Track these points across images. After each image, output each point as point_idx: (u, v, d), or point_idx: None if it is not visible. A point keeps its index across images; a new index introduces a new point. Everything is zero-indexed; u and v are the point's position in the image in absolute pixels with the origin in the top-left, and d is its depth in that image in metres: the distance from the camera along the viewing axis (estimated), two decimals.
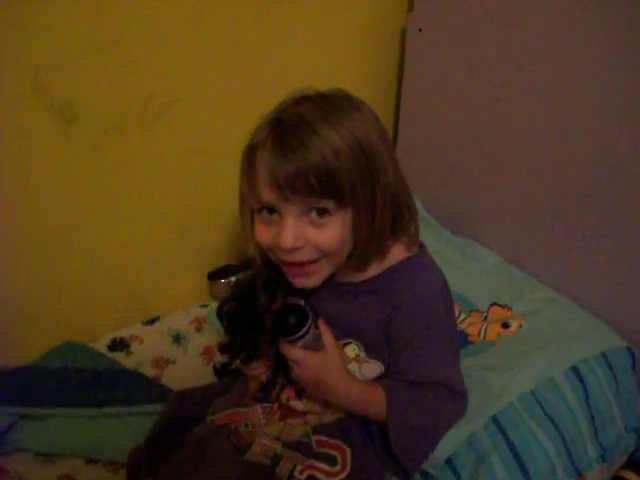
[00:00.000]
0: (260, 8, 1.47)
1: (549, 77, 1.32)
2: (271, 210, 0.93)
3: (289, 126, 0.88)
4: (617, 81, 1.20)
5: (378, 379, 1.05)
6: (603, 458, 1.16)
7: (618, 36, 1.18)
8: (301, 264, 0.95)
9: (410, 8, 1.67)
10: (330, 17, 1.61)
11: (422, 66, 1.68)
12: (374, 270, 1.04)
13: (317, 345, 0.97)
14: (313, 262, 0.95)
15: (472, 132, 1.56)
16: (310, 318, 0.94)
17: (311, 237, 0.92)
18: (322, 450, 1.01)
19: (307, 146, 0.85)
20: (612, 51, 1.19)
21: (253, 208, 0.97)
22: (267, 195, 0.90)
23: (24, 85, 1.23)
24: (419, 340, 1.01)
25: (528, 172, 1.43)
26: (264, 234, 0.96)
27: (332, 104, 0.92)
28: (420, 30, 1.63)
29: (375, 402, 1.00)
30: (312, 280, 0.99)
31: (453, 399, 1.04)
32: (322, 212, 0.90)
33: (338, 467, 1.00)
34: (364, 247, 0.97)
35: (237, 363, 1.07)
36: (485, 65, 1.47)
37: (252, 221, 1.00)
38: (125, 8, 1.29)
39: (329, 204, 0.90)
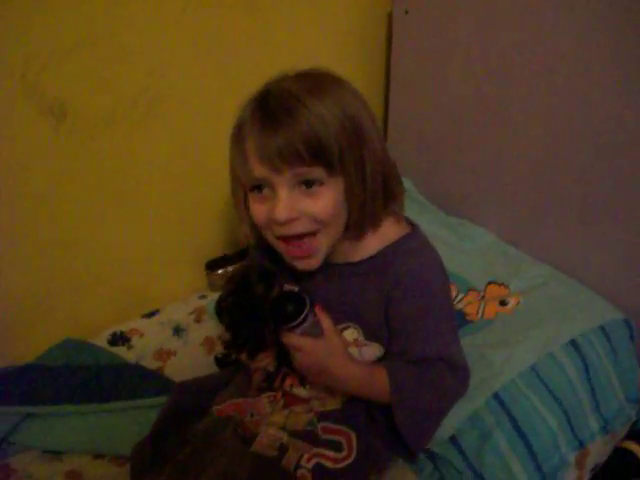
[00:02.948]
0: None
1: (537, 56, 1.32)
2: (263, 186, 0.94)
3: (275, 99, 0.90)
4: (604, 60, 1.20)
5: (378, 361, 1.06)
6: (605, 430, 1.17)
7: (608, 18, 1.18)
8: (300, 241, 0.96)
9: None
10: (317, 2, 1.61)
11: (409, 48, 1.67)
12: (370, 249, 1.05)
13: (316, 331, 0.97)
14: (312, 234, 0.96)
15: (462, 113, 1.56)
16: (307, 305, 0.94)
17: (305, 208, 0.93)
18: (328, 437, 1.02)
19: (293, 116, 0.87)
20: (602, 34, 1.19)
21: (246, 188, 0.98)
22: (258, 170, 0.91)
23: (13, 82, 1.23)
24: (419, 317, 1.01)
25: (521, 151, 1.43)
26: (259, 211, 0.97)
27: (316, 79, 0.94)
28: (406, 12, 1.62)
29: (378, 384, 1.00)
30: (313, 260, 1.00)
31: (455, 375, 1.04)
32: (313, 182, 0.92)
33: (344, 453, 1.00)
34: (359, 214, 0.98)
35: (243, 358, 1.07)
36: (472, 46, 1.46)
37: (245, 202, 1.01)
38: (114, 4, 1.29)
39: (319, 173, 0.91)
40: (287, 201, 0.92)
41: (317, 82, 0.93)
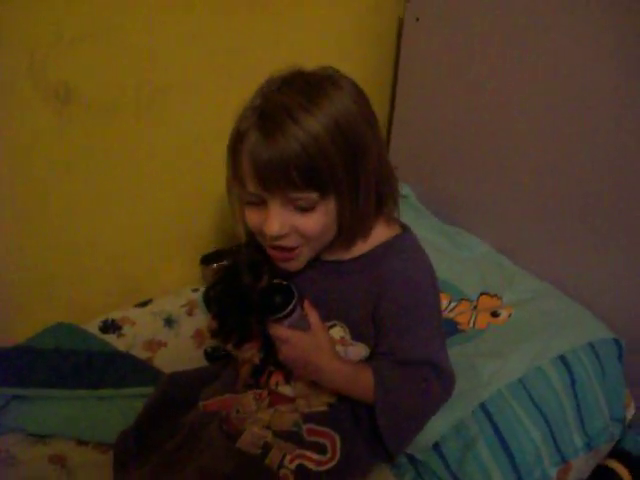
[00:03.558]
0: None
1: (547, 66, 1.32)
2: (257, 198, 0.94)
3: (271, 118, 0.88)
4: (618, 70, 1.20)
5: (364, 361, 1.06)
6: (588, 446, 1.17)
7: (620, 24, 1.18)
8: (284, 250, 0.97)
9: None
10: (326, 5, 1.61)
11: (418, 55, 1.67)
12: (360, 248, 1.05)
13: (304, 325, 0.98)
14: (294, 248, 0.97)
15: (467, 122, 1.57)
16: (296, 297, 0.95)
17: (297, 224, 0.93)
18: (312, 439, 1.02)
19: (286, 136, 0.86)
20: (615, 41, 1.19)
21: (240, 195, 0.99)
22: (251, 186, 0.92)
23: (21, 68, 1.23)
24: (407, 318, 1.01)
25: (521, 163, 1.44)
26: (252, 218, 0.97)
27: (314, 87, 0.92)
28: (417, 19, 1.62)
29: (363, 381, 1.00)
30: (295, 263, 1.01)
31: (441, 379, 1.04)
32: (305, 205, 0.92)
33: (328, 455, 1.01)
34: (349, 230, 0.99)
35: (229, 347, 1.07)
36: (481, 55, 1.46)
37: (240, 204, 1.01)
38: None
39: (312, 197, 0.91)
40: (279, 217, 0.92)
41: (314, 92, 0.91)
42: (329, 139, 0.88)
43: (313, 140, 0.87)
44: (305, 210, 0.93)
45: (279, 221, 0.92)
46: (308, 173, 0.88)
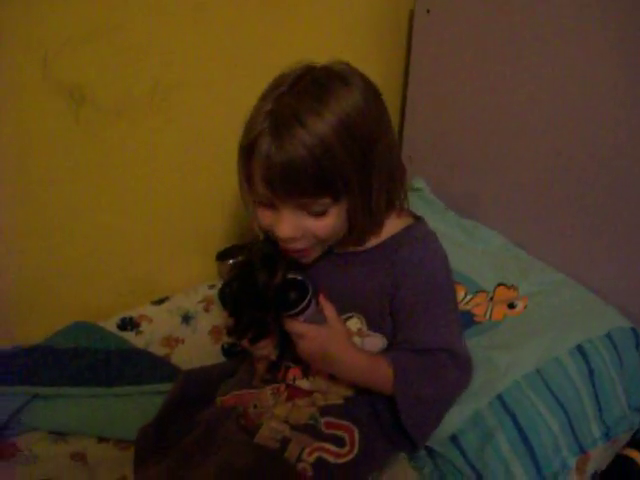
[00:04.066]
0: None
1: (558, 59, 1.31)
2: (269, 199, 0.95)
3: (282, 124, 0.88)
4: (625, 68, 1.19)
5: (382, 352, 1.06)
6: (607, 436, 1.17)
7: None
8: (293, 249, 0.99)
9: None
10: None
11: (430, 48, 1.66)
12: (374, 240, 1.06)
13: (320, 319, 0.98)
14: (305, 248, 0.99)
15: (479, 114, 1.55)
16: (310, 291, 0.95)
17: (309, 227, 0.95)
18: (330, 432, 1.02)
19: (296, 146, 0.86)
20: (622, 37, 1.18)
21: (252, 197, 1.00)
22: (262, 190, 0.93)
23: (33, 68, 1.24)
24: (423, 306, 1.02)
25: (535, 156, 1.43)
26: (264, 218, 0.99)
27: (323, 87, 0.91)
28: (428, 11, 1.61)
29: (381, 373, 1.00)
30: (307, 259, 1.03)
31: (459, 366, 1.04)
32: (319, 209, 0.93)
33: (347, 448, 1.00)
34: (361, 228, 1.00)
35: (246, 344, 1.08)
36: (493, 47, 1.45)
37: (253, 202, 1.02)
38: None
39: (325, 201, 0.92)
40: (290, 221, 0.94)
41: (323, 91, 0.90)
42: (338, 141, 0.88)
43: (321, 144, 0.87)
44: (318, 214, 0.93)
45: (291, 225, 0.93)
46: (319, 179, 0.88)
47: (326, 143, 0.87)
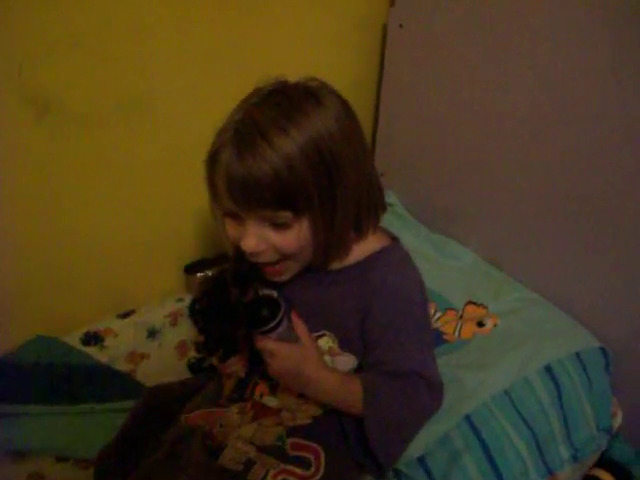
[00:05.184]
0: (242, 3, 1.46)
1: (530, 72, 1.31)
2: (234, 212, 0.95)
3: (245, 136, 0.89)
4: (602, 74, 1.18)
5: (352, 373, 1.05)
6: (575, 458, 1.17)
7: (604, 29, 1.17)
8: (269, 265, 0.99)
9: (392, 3, 1.66)
10: (312, 12, 1.60)
11: (402, 62, 1.67)
12: (350, 259, 1.05)
13: (291, 337, 0.97)
14: (275, 262, 0.98)
15: (452, 128, 1.56)
16: (283, 309, 0.94)
17: (273, 241, 0.95)
18: (296, 453, 1.00)
19: (258, 161, 0.87)
20: (598, 46, 1.18)
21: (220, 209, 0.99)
22: (227, 203, 0.94)
23: (6, 78, 1.22)
24: (396, 328, 1.01)
25: (508, 171, 1.43)
26: (231, 230, 0.99)
27: (294, 105, 0.91)
28: (401, 26, 1.61)
29: (352, 393, 0.99)
30: (283, 277, 1.03)
31: (430, 391, 1.03)
32: (279, 223, 0.93)
33: (312, 470, 0.99)
34: (324, 248, 0.99)
35: (215, 361, 1.06)
36: (465, 61, 1.46)
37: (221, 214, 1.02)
38: (105, 2, 1.28)
39: (286, 215, 0.92)
40: (254, 234, 0.94)
41: (294, 109, 0.90)
42: (303, 161, 0.88)
43: (285, 162, 0.87)
44: (280, 227, 0.93)
45: (255, 238, 0.94)
46: (280, 194, 0.88)
47: (288, 160, 0.87)
